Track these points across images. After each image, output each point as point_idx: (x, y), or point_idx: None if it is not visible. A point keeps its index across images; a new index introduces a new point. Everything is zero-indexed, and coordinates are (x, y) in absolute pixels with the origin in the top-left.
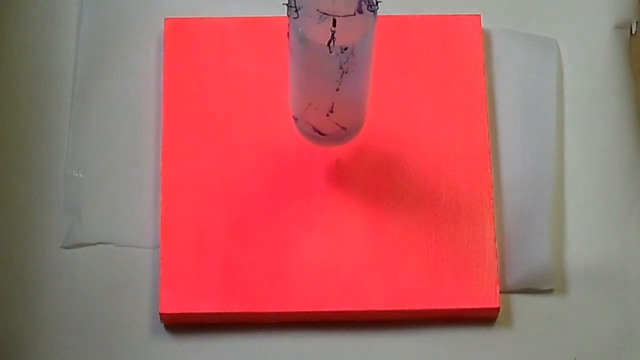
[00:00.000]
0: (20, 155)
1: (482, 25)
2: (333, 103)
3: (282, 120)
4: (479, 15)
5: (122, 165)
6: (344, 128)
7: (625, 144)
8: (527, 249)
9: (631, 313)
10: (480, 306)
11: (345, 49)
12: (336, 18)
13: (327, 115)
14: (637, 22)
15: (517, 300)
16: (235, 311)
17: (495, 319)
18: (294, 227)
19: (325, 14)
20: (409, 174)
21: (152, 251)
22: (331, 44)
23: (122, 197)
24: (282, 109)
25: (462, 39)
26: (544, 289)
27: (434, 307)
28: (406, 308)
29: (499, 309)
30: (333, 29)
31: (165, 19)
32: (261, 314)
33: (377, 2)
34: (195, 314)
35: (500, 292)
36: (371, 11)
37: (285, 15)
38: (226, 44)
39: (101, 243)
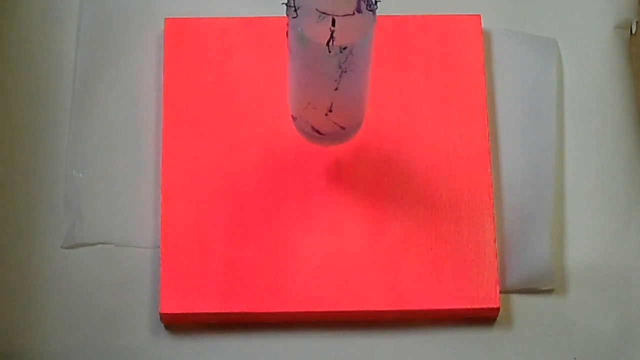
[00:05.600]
0: (20, 155)
1: (482, 25)
2: (332, 102)
3: (282, 120)
4: (479, 15)
5: (122, 165)
6: (342, 127)
7: (625, 144)
8: (527, 249)
9: (631, 313)
10: (480, 306)
11: (344, 48)
12: (335, 17)
13: (326, 114)
14: (637, 22)
15: (517, 300)
16: (235, 311)
17: (495, 319)
18: (293, 227)
19: (324, 13)
20: (409, 173)
21: (152, 251)
22: (330, 43)
23: (122, 197)
24: (282, 108)
25: (462, 39)
26: (544, 289)
27: (434, 307)
28: (406, 308)
29: (499, 309)
30: (332, 28)
31: (166, 19)
32: (261, 314)
33: (376, 2)
34: (195, 314)
35: (500, 292)
36: (370, 11)
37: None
38: (226, 44)
39: (101, 243)
